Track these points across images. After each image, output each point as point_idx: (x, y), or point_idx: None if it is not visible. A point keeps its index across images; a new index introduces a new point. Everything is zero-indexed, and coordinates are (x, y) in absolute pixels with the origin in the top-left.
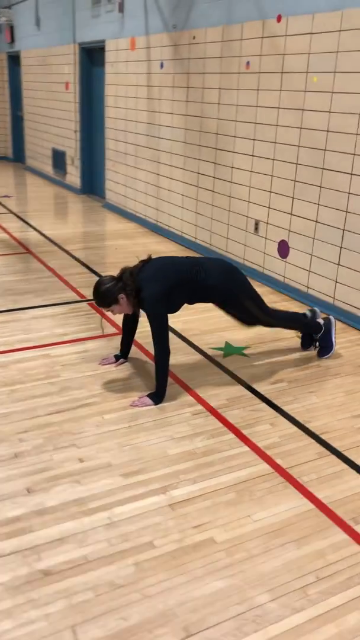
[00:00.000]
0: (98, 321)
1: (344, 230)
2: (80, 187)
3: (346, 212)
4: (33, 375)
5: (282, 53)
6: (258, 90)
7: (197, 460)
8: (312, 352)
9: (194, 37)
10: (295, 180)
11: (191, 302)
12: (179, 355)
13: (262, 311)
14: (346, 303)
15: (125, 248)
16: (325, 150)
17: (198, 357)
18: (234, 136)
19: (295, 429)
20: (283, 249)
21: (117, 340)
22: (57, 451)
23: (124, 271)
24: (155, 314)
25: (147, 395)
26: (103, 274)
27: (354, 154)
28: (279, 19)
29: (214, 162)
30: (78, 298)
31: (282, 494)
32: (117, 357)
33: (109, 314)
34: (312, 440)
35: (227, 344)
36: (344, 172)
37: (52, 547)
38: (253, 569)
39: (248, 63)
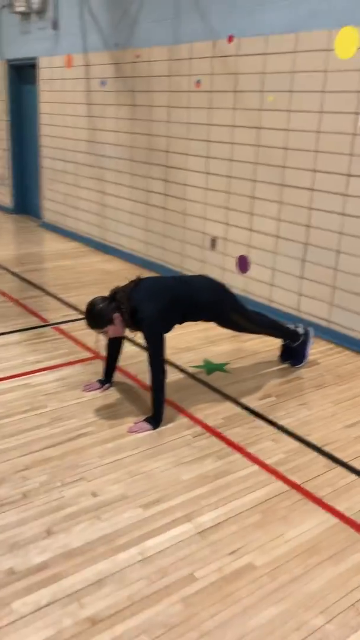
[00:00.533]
0: (68, 346)
1: (306, 244)
2: (12, 207)
3: (308, 226)
4: (17, 407)
5: (235, 72)
6: (210, 108)
7: (212, 484)
8: (288, 364)
9: (137, 56)
10: (253, 197)
11: (182, 322)
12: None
13: (250, 321)
14: (311, 314)
15: (74, 268)
16: (284, 167)
17: (181, 376)
18: (186, 154)
19: (297, 443)
20: (242, 264)
21: (95, 365)
22: (67, 487)
23: (116, 291)
24: (154, 333)
25: (144, 420)
26: (61, 297)
27: (315, 170)
28: (230, 39)
29: (164, 180)
30: (41, 322)
31: (304, 510)
32: (101, 382)
33: (99, 337)
34: (317, 454)
35: (206, 361)
36: (305, 188)
37: (91, 591)
38: (300, 591)
39: (199, 81)
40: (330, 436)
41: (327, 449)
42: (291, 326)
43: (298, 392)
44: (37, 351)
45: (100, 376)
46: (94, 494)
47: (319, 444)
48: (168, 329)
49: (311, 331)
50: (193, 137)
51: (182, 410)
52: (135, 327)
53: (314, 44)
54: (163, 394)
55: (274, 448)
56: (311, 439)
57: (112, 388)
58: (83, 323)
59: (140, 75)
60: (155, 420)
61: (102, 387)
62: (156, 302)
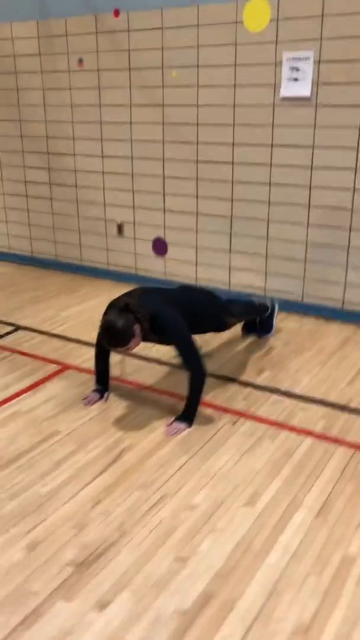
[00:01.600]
0: (23, 361)
1: (231, 217)
2: None
3: (232, 200)
4: (28, 439)
5: (127, 49)
6: (99, 88)
7: (289, 466)
8: (253, 337)
9: None
10: (164, 176)
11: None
12: (154, 373)
13: (236, 317)
14: (244, 286)
15: None
16: (198, 143)
17: (167, 368)
18: (73, 138)
19: (324, 408)
20: (159, 246)
21: (65, 380)
22: (157, 508)
23: (126, 303)
24: (184, 335)
25: (176, 421)
26: None
27: (234, 144)
28: (116, 13)
29: (47, 168)
30: None
31: None
32: (100, 392)
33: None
34: (348, 413)
35: None
36: (225, 162)
37: (274, 602)
38: None
39: (81, 60)
40: (345, 394)
41: (352, 405)
42: (256, 301)
43: (285, 360)
44: None
45: (91, 386)
46: (191, 507)
47: (342, 402)
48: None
49: (275, 300)
50: (80, 120)
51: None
52: (155, 335)
53: (219, 17)
54: (202, 394)
55: (309, 417)
56: (333, 399)
57: (111, 395)
58: (16, 335)
59: (1, 55)
60: (189, 418)
61: (102, 396)
62: (171, 305)
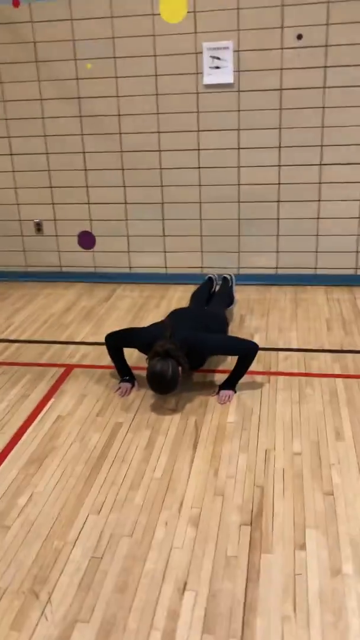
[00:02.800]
0: (21, 371)
1: (162, 203)
2: None
3: (161, 186)
4: (98, 436)
5: (32, 41)
6: (1, 83)
7: (342, 403)
8: None
9: None
10: (86, 169)
11: None
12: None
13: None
14: (178, 267)
15: None
16: (120, 133)
17: None
18: None
19: (329, 354)
20: (86, 240)
21: (79, 379)
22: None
23: (166, 350)
24: (217, 339)
25: (222, 389)
26: None
27: (159, 132)
28: (15, 4)
29: None
30: None
31: None
32: (129, 381)
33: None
34: (352, 355)
35: None
36: (151, 151)
37: None
38: None
39: None
40: (333, 340)
41: (346, 347)
42: (218, 279)
43: (263, 324)
44: (5, 388)
45: (106, 379)
46: (296, 454)
47: (337, 347)
48: (201, 364)
49: (232, 274)
50: None
51: (215, 370)
52: (194, 365)
53: (134, 8)
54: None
55: (323, 363)
56: (329, 346)
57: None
58: None
59: None
60: (233, 385)
61: (133, 384)
62: (197, 328)
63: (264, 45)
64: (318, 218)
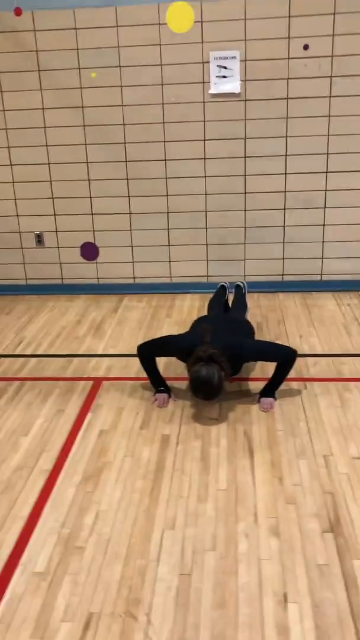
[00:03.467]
0: (47, 386)
1: (168, 212)
2: None
3: (167, 195)
4: (148, 450)
5: (34, 49)
6: (2, 92)
7: None
8: None
9: None
10: (89, 179)
11: None
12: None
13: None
14: (183, 276)
15: None
16: (125, 143)
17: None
18: None
19: (355, 358)
20: (88, 251)
21: (110, 392)
22: None
23: (209, 355)
24: (255, 344)
25: (263, 397)
26: None
27: (165, 141)
28: (17, 12)
29: None
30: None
31: None
32: (165, 392)
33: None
34: None
35: None
36: (156, 160)
37: None
38: None
39: None
40: (356, 342)
41: None
42: (230, 288)
43: (282, 329)
44: (32, 405)
45: (137, 390)
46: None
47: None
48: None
49: (243, 282)
50: None
51: (249, 379)
52: (235, 369)
53: (139, 18)
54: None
55: (353, 367)
56: (352, 350)
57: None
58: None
59: None
60: (274, 392)
61: (169, 395)
62: (232, 335)
63: (271, 55)
64: (324, 225)
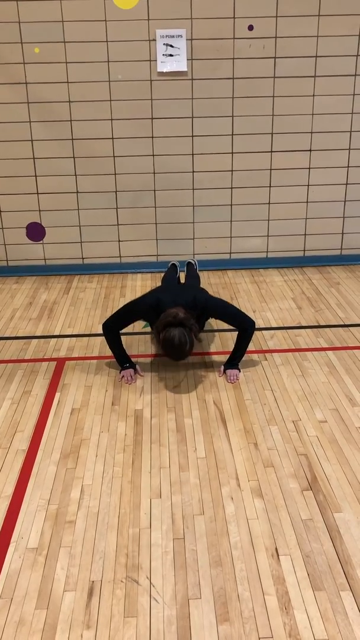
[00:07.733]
0: (6, 371)
1: (116, 192)
2: None
3: (115, 174)
4: (126, 428)
5: None
6: None
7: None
8: None
9: None
10: (34, 158)
11: None
12: (132, 340)
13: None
14: (133, 256)
15: None
16: (71, 120)
17: (139, 336)
18: None
19: (337, 329)
20: (34, 232)
21: (75, 372)
22: None
23: (180, 320)
24: (220, 302)
25: (228, 368)
26: None
27: (112, 119)
28: None
29: None
30: None
31: None
32: (131, 367)
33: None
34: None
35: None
36: (104, 138)
37: None
38: None
39: None
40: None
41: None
42: (181, 266)
43: (238, 306)
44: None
45: (101, 368)
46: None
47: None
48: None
49: (194, 259)
50: None
51: (210, 352)
52: (201, 324)
53: None
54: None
55: (312, 337)
56: (315, 323)
57: (140, 370)
58: None
59: None
60: (237, 363)
61: (136, 371)
62: (195, 289)
63: (217, 35)
64: (269, 203)
